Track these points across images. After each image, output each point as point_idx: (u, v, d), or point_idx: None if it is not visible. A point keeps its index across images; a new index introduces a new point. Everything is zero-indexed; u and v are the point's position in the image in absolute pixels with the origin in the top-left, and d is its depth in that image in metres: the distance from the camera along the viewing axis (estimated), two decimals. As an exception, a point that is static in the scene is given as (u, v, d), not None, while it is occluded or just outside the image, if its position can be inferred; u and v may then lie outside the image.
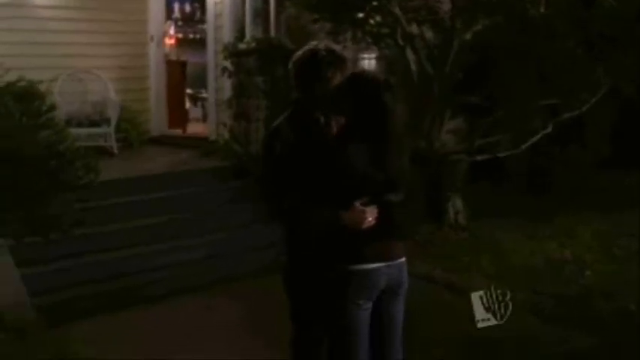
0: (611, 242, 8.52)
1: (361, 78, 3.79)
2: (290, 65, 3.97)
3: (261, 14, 9.53)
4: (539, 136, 8.60)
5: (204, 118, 11.52)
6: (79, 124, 9.80)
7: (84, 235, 6.62)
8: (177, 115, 11.70)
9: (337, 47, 3.95)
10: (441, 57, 8.65)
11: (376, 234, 3.69)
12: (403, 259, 3.86)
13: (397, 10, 8.05)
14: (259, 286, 6.85)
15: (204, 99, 11.83)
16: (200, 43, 11.73)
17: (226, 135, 9.69)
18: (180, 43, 13.25)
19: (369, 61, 10.09)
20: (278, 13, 9.56)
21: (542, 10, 7.30)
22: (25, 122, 5.32)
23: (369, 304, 3.75)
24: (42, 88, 8.92)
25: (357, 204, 3.67)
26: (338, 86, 3.76)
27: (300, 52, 3.94)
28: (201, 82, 11.75)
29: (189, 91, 12.75)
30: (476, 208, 9.23)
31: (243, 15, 9.73)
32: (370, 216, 3.67)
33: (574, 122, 9.04)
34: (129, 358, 5.48)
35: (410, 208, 3.86)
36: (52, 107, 5.90)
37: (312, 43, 3.95)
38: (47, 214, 5.40)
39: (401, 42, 8.60)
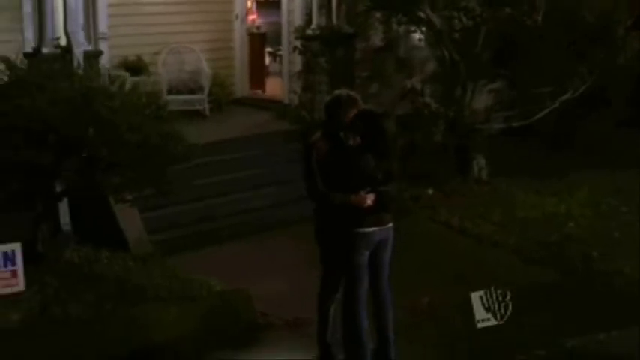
0: (602, 199, 10.21)
1: (367, 112, 5.94)
2: (323, 105, 6.12)
3: (325, 4, 11.42)
4: (546, 111, 10.58)
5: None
6: (178, 92, 11.76)
7: (185, 189, 8.51)
8: (258, 77, 13.52)
9: (352, 93, 6.06)
10: (470, 39, 10.64)
11: (373, 210, 5.82)
12: (391, 225, 5.96)
13: (428, 11, 10.02)
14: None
15: (282, 56, 13.13)
16: (279, 6, 12.69)
17: (296, 101, 11.80)
18: (261, 5, 15.06)
19: (419, 37, 12.03)
20: (339, 1, 11.44)
21: (539, 18, 9.19)
22: (148, 114, 7.49)
23: (367, 253, 5.87)
24: (147, 60, 11.33)
25: (362, 192, 5.79)
26: (353, 118, 5.89)
27: (329, 97, 6.09)
28: (280, 40, 13.00)
29: (269, 49, 14.48)
30: (500, 166, 10.99)
31: (311, 2, 11.68)
32: (369, 200, 5.78)
33: (598, 88, 10.89)
34: (219, 280, 7.72)
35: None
36: (166, 104, 8.09)
37: (337, 92, 6.09)
38: (163, 178, 7.62)
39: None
